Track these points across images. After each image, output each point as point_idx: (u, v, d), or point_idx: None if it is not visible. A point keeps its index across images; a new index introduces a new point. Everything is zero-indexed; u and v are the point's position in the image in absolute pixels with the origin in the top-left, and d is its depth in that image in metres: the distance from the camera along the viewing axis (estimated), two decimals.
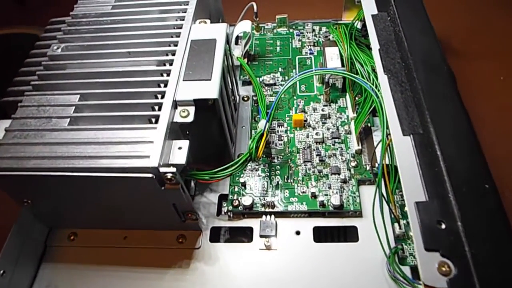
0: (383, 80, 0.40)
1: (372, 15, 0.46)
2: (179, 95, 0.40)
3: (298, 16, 0.80)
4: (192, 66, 0.42)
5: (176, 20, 0.49)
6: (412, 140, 0.35)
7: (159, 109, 0.39)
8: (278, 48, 0.61)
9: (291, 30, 0.64)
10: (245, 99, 0.56)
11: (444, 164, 0.33)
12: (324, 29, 0.63)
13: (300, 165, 0.48)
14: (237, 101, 0.55)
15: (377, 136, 0.49)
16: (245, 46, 0.57)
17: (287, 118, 0.52)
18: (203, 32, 0.46)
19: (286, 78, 0.57)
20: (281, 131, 0.51)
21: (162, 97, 0.40)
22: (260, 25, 0.64)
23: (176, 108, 0.40)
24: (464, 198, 0.31)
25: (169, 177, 0.35)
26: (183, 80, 0.41)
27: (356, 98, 0.51)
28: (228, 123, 0.47)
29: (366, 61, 0.49)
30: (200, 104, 0.40)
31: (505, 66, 0.68)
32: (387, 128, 0.38)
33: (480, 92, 0.66)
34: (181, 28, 0.47)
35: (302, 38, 0.62)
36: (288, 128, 0.51)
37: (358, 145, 0.47)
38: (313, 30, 0.63)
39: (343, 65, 0.51)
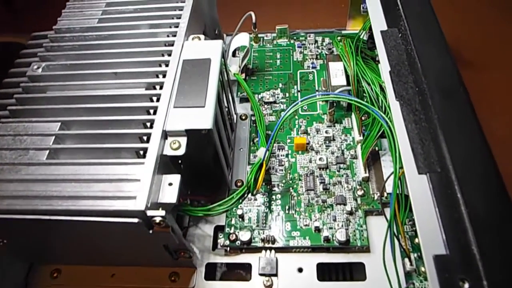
0: (394, 107, 0.36)
1: (382, 32, 0.42)
2: (169, 125, 0.36)
3: (299, 23, 0.76)
4: (184, 90, 0.38)
5: (168, 36, 0.45)
6: (429, 180, 0.31)
7: (147, 140, 0.36)
8: (278, 61, 0.57)
9: (292, 41, 0.60)
10: (243, 117, 0.52)
11: (465, 209, 0.29)
12: (327, 40, 0.59)
13: (303, 194, 0.44)
14: (234, 121, 0.52)
15: (385, 161, 0.45)
16: (242, 60, 0.53)
17: (288, 140, 0.49)
18: (196, 50, 0.42)
19: (287, 95, 0.53)
20: (281, 155, 0.47)
21: (151, 126, 0.37)
22: (259, 35, 0.60)
23: (166, 138, 0.36)
24: (490, 251, 0.27)
25: (157, 221, 0.32)
26: (174, 107, 0.37)
27: (363, 118, 0.48)
28: (224, 149, 0.43)
29: (374, 79, 0.45)
30: (192, 135, 0.36)
31: None
32: (400, 162, 0.34)
33: (492, 104, 0.62)
34: (172, 45, 0.43)
35: (303, 50, 0.58)
36: (289, 151, 0.48)
37: (365, 173, 0.44)
38: (316, 42, 0.59)
39: (348, 83, 0.48)
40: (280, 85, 0.54)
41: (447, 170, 0.31)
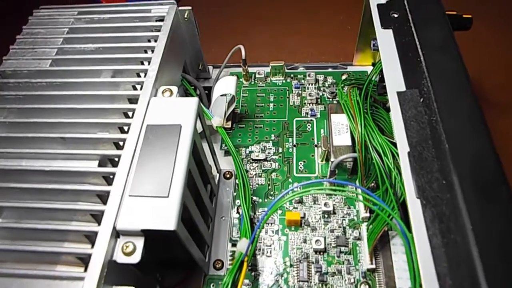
0: (414, 207, 0.28)
1: (399, 94, 0.33)
2: (121, 221, 0.28)
3: (299, 46, 0.67)
4: (143, 171, 0.30)
5: (133, 86, 0.37)
6: None
7: (93, 242, 0.28)
8: (271, 106, 0.49)
9: (288, 80, 0.51)
10: (227, 176, 0.44)
11: None
12: (330, 79, 0.50)
13: (294, 287, 0.36)
14: (216, 180, 0.43)
15: (396, 246, 0.37)
16: (228, 107, 0.45)
17: (279, 211, 0.40)
18: (165, 110, 0.33)
19: (280, 150, 0.45)
20: (270, 232, 0.39)
21: (100, 221, 0.28)
22: (251, 70, 0.51)
23: (118, 237, 0.28)
24: None
25: None
26: (130, 195, 0.29)
27: (372, 185, 0.40)
28: (199, 234, 0.35)
29: (385, 146, 0.37)
30: (151, 235, 0.28)
31: None
32: (419, 283, 0.26)
33: None
34: (136, 102, 0.34)
35: (302, 91, 0.50)
36: (280, 226, 0.39)
37: (371, 263, 0.36)
38: (317, 81, 0.50)
39: (354, 149, 0.39)
40: (273, 136, 0.46)
41: None
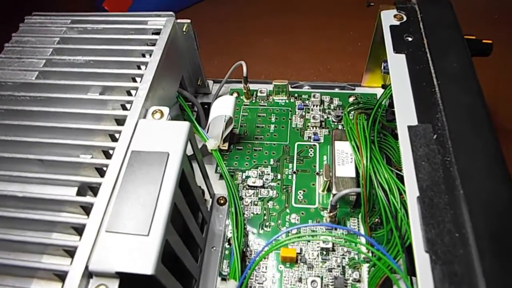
0: (422, 263, 0.25)
1: (410, 128, 0.30)
2: (94, 261, 0.25)
3: (307, 64, 0.64)
4: (123, 204, 0.27)
5: (122, 106, 0.34)
6: None
7: (63, 284, 0.25)
8: (272, 127, 0.46)
9: (292, 100, 0.48)
10: (221, 201, 0.41)
11: None
12: (336, 101, 0.47)
13: None
14: (209, 207, 0.41)
15: None
16: (225, 129, 0.42)
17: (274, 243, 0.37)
18: (152, 135, 0.31)
19: (279, 176, 0.42)
20: (263, 268, 0.36)
21: (72, 258, 0.26)
22: (252, 87, 0.48)
23: (91, 277, 0.25)
24: None
25: None
26: (107, 231, 0.26)
27: (376, 220, 0.37)
28: (185, 269, 0.32)
29: (391, 182, 0.33)
30: (127, 279, 0.25)
31: None
32: None
33: None
34: (123, 124, 0.32)
35: (305, 112, 0.47)
36: (275, 263, 0.36)
37: None
38: (322, 102, 0.47)
39: (358, 182, 0.36)
40: (272, 161, 0.43)
41: None
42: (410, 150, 0.29)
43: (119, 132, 0.31)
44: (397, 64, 0.35)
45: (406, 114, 0.31)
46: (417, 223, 0.26)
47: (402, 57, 0.35)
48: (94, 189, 0.30)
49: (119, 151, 0.30)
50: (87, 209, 0.29)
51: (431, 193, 0.27)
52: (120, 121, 0.33)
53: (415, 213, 0.26)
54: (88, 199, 0.28)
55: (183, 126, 0.31)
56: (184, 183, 0.32)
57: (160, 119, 0.33)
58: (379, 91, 0.49)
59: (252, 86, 0.48)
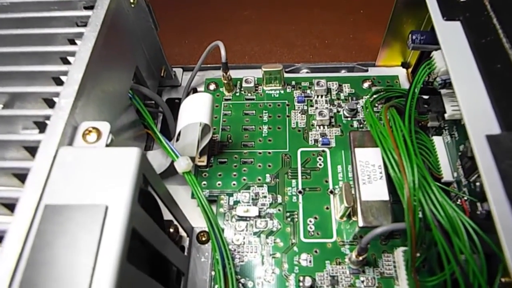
0: None
1: (490, 138, 0.19)
2: None
3: (300, 39, 0.52)
4: None
5: (36, 124, 0.22)
6: None
7: None
8: (265, 129, 0.34)
9: (288, 90, 0.36)
10: (203, 238, 0.30)
11: None
12: (347, 88, 0.36)
13: None
14: (187, 247, 0.29)
15: None
16: (202, 140, 0.30)
17: None
18: (82, 174, 0.19)
19: (279, 199, 0.30)
20: None
21: None
22: (234, 76, 0.36)
23: None
24: None
25: None
26: None
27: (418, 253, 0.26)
28: None
29: (449, 211, 0.23)
30: None
31: None
32: None
33: None
34: (34, 155, 0.20)
35: (308, 106, 0.35)
36: None
37: None
38: (328, 91, 0.36)
39: (392, 208, 0.25)
40: (268, 178, 0.31)
41: None
42: (495, 172, 0.18)
43: (24, 176, 0.19)
44: (451, 37, 0.23)
45: (479, 116, 0.20)
46: None
47: (456, 26, 0.24)
48: None
49: (24, 205, 0.18)
50: None
51: None
52: (32, 148, 0.21)
53: None
54: None
55: (131, 155, 0.19)
56: (140, 246, 0.20)
57: (95, 143, 0.21)
58: (401, 72, 0.38)
59: (234, 74, 0.36)
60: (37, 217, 0.18)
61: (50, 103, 0.24)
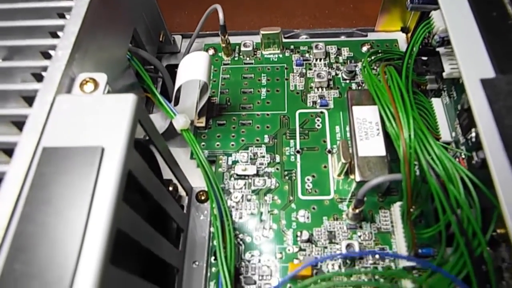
0: None
1: (485, 82, 0.19)
2: None
3: (298, 9, 0.52)
4: (29, 238, 0.16)
5: (34, 75, 0.23)
6: None
7: None
8: (263, 91, 0.34)
9: (287, 54, 0.36)
10: (202, 197, 0.30)
11: None
12: (346, 51, 0.36)
13: None
14: (186, 207, 0.30)
15: None
16: (200, 99, 0.30)
17: (279, 255, 0.27)
18: (79, 119, 0.19)
19: (277, 158, 0.31)
20: (265, 281, 0.26)
21: None
22: (233, 41, 0.36)
23: None
24: None
25: None
26: None
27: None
28: None
29: (446, 164, 0.23)
30: None
31: None
32: None
33: None
34: (31, 103, 0.20)
35: (306, 69, 0.35)
36: (278, 278, 0.26)
37: None
38: (327, 55, 0.36)
39: (390, 164, 0.25)
40: (266, 138, 0.32)
41: None
42: (490, 115, 0.18)
43: (25, 117, 0.20)
44: None
45: (474, 60, 0.20)
46: None
47: None
48: None
49: (23, 149, 0.19)
50: None
51: None
52: (30, 99, 0.21)
53: None
54: None
55: (127, 101, 0.20)
56: (136, 190, 0.21)
57: (92, 93, 0.21)
58: (400, 36, 0.38)
59: (233, 39, 0.36)
60: (35, 159, 0.18)
61: (48, 57, 0.24)
